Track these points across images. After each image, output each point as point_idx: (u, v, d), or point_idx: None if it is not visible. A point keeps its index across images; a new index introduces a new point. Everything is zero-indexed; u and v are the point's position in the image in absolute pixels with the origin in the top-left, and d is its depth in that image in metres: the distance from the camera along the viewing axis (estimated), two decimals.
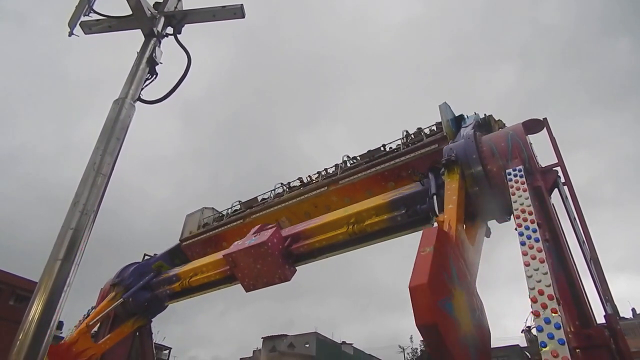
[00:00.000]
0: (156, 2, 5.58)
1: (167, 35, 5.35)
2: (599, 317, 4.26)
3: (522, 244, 4.21)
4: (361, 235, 6.70)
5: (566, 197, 5.36)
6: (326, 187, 7.78)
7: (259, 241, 6.73)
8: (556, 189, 5.56)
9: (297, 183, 8.91)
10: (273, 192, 8.85)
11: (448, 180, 5.67)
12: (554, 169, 5.67)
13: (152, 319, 8.97)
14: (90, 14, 5.31)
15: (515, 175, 5.85)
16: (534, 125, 6.70)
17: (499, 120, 8.19)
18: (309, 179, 8.50)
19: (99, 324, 8.49)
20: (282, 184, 8.97)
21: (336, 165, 8.36)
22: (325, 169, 8.57)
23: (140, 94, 4.59)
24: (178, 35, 5.39)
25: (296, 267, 6.99)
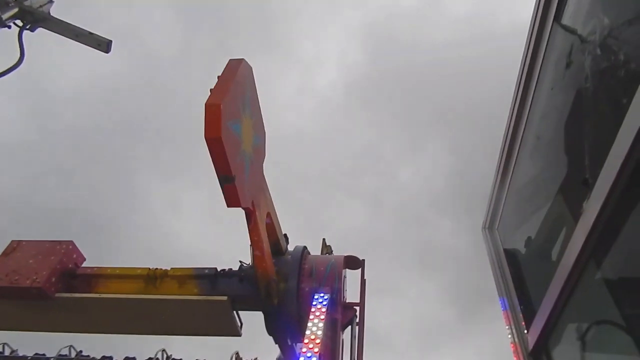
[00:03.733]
0: None
1: (10, 25, 4.69)
2: None
3: None
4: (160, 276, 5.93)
5: (355, 336, 5.52)
6: None
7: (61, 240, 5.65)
8: (350, 326, 5.72)
9: None
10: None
11: None
12: (354, 307, 5.89)
13: None
14: None
15: (321, 302, 5.91)
16: (353, 262, 7.06)
17: (329, 245, 8.52)
18: None
19: None
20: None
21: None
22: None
23: None
24: (24, 32, 4.76)
25: (60, 295, 5.63)
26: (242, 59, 4.64)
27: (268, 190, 5.87)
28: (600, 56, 1.77)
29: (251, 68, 4.86)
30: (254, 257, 5.54)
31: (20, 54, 4.60)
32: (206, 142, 3.52)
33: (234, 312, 5.78)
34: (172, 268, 5.88)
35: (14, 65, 4.52)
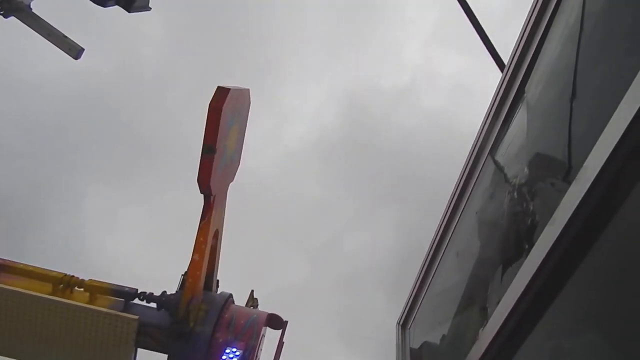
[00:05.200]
0: None
1: None
2: None
3: None
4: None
5: None
6: None
7: None
8: None
9: None
10: None
11: None
12: None
13: None
14: None
15: (231, 357, 5.70)
16: (276, 322, 6.87)
17: (256, 298, 8.32)
18: None
19: None
20: None
21: None
22: None
23: None
24: None
25: None
26: (248, 89, 5.02)
27: (225, 214, 5.89)
28: (516, 200, 1.96)
29: (250, 101, 5.21)
30: (190, 263, 5.30)
31: None
32: (208, 109, 4.06)
33: (134, 348, 5.40)
34: (90, 279, 5.54)
35: None
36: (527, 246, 1.78)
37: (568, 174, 1.62)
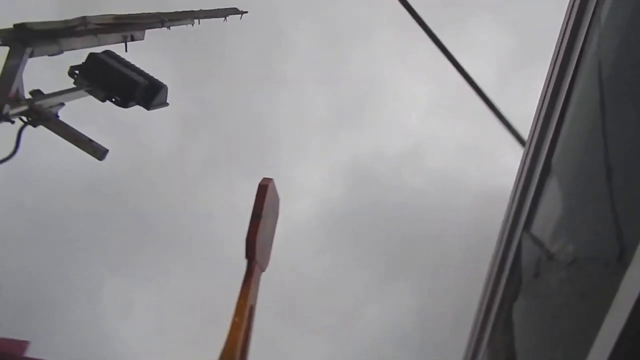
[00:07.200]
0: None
1: (14, 121, 4.86)
2: None
3: None
4: None
5: None
6: None
7: None
8: None
9: None
10: None
11: None
12: None
13: None
14: None
15: None
16: None
17: None
18: None
19: None
20: None
21: None
22: None
23: None
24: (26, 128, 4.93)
25: None
26: (279, 199, 5.62)
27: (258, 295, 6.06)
28: (565, 281, 1.78)
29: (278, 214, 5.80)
30: (231, 325, 5.18)
31: (15, 148, 4.65)
32: (258, 187, 4.60)
33: None
34: None
35: (5, 158, 4.57)
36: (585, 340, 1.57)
37: (622, 255, 1.46)
